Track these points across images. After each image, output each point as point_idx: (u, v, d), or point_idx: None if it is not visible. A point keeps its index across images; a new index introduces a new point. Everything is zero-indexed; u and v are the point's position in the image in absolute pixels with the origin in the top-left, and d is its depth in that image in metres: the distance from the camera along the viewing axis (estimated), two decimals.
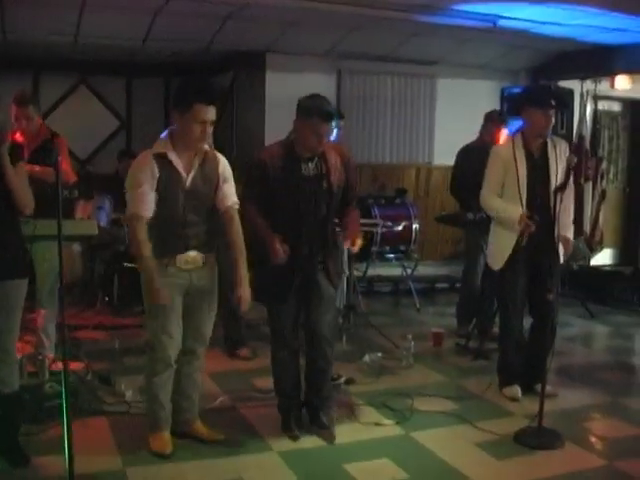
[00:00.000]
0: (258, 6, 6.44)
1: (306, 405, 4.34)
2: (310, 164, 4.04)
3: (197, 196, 3.80)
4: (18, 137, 5.46)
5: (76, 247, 7.07)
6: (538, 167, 4.65)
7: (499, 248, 4.78)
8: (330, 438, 4.15)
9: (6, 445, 3.71)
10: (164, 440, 3.93)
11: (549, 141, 4.71)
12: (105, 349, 5.78)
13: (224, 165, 3.93)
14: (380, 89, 8.53)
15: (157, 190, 3.71)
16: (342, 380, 5.07)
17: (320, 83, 8.25)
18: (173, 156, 3.74)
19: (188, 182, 3.77)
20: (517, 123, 5.08)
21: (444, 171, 8.57)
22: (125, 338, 5.96)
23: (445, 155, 8.48)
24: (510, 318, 4.83)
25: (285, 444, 4.08)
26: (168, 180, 3.73)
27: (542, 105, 4.62)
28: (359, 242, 4.45)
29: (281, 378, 4.28)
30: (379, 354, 5.65)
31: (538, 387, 4.34)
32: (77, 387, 4.55)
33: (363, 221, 6.33)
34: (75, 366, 4.84)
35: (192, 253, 3.81)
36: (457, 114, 8.56)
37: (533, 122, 4.64)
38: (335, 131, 6.45)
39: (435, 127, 8.79)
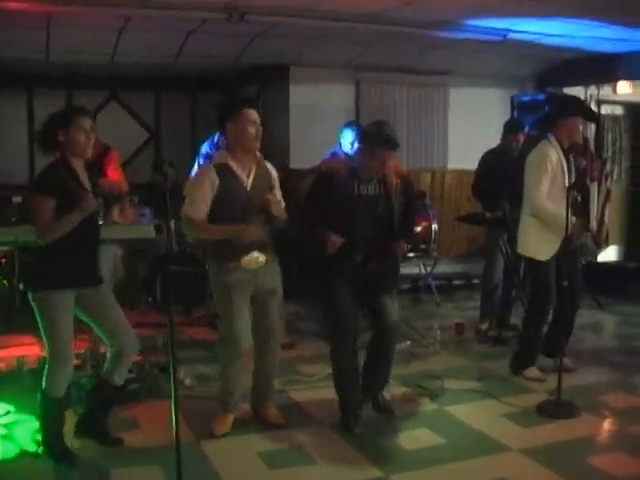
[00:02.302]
0: (286, 24, 6.96)
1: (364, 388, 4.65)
2: (369, 185, 4.35)
3: (257, 198, 4.25)
4: None
5: (117, 250, 7.56)
6: (569, 171, 5.05)
7: (545, 242, 5.11)
8: (391, 415, 4.60)
9: (101, 428, 4.21)
10: (226, 422, 4.41)
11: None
12: (152, 345, 6.28)
13: (274, 172, 4.44)
14: (397, 98, 9.06)
15: (218, 196, 4.17)
16: None
17: (340, 94, 8.85)
18: (233, 164, 4.23)
19: (249, 186, 4.25)
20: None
21: (458, 174, 9.13)
22: (165, 335, 6.47)
23: (458, 159, 9.07)
24: (545, 305, 5.23)
25: (337, 418, 4.57)
26: (229, 186, 4.19)
27: (575, 115, 5.13)
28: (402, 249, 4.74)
29: (346, 389, 4.54)
30: (407, 342, 6.19)
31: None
32: (141, 376, 5.09)
33: None
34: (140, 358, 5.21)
35: (255, 254, 4.25)
36: (469, 121, 9.11)
37: (567, 130, 5.08)
38: (356, 143, 7.01)
39: (449, 133, 9.31)
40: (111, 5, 6.10)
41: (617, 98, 9.63)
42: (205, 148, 6.40)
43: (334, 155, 6.94)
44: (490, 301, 6.76)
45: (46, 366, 4.00)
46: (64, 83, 9.23)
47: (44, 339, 3.95)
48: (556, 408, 4.67)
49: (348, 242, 4.27)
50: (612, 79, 9.05)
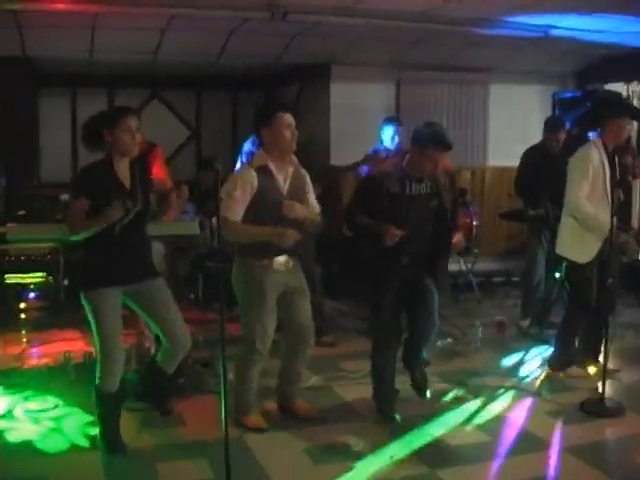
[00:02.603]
0: (328, 24, 6.99)
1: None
2: (421, 184, 4.34)
3: (294, 201, 4.30)
4: None
5: (160, 247, 7.66)
6: (613, 172, 4.98)
7: (587, 245, 5.08)
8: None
9: (158, 399, 4.44)
10: (259, 418, 4.48)
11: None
12: (194, 341, 6.35)
13: (307, 176, 4.48)
14: (437, 96, 9.04)
15: (257, 199, 4.20)
16: None
17: (381, 92, 8.87)
18: (273, 167, 4.27)
19: (285, 190, 4.30)
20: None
21: (498, 172, 9.09)
22: (211, 331, 6.54)
23: (499, 156, 9.04)
24: (583, 307, 5.19)
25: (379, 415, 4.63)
26: (269, 189, 4.23)
27: (623, 115, 5.11)
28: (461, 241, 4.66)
29: (383, 387, 4.64)
30: (449, 340, 6.20)
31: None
32: (185, 372, 5.17)
33: None
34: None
35: (284, 257, 4.30)
36: (509, 117, 9.07)
37: (614, 131, 5.06)
38: (396, 137, 7.04)
39: (489, 130, 9.26)
40: (156, 5, 6.18)
41: None
42: (248, 146, 6.47)
43: (376, 151, 7.01)
44: (531, 299, 6.73)
45: (97, 362, 4.09)
46: (106, 82, 9.35)
47: (94, 335, 4.04)
48: (600, 406, 4.65)
49: (399, 243, 4.24)
50: None
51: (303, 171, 4.46)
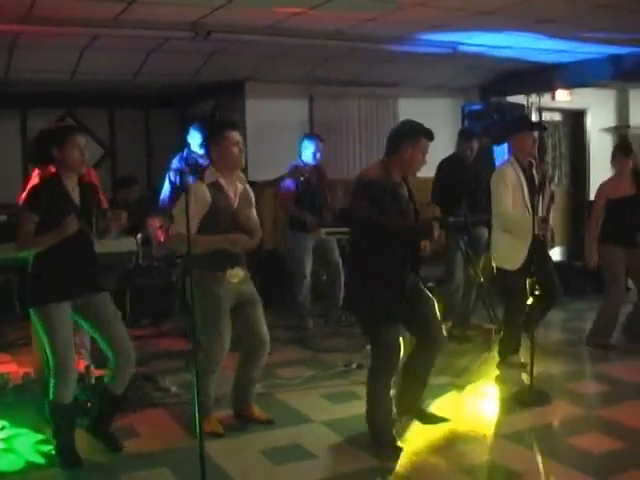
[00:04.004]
0: (242, 42, 7.14)
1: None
2: (404, 186, 4.37)
3: (241, 215, 4.50)
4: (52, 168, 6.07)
5: None
6: (530, 183, 5.45)
7: (516, 253, 5.44)
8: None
9: (104, 432, 4.40)
10: (216, 423, 4.59)
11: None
12: None
13: (249, 189, 4.67)
14: (349, 111, 9.38)
15: (210, 213, 4.37)
16: (354, 366, 5.89)
17: (295, 108, 9.13)
18: (223, 182, 4.45)
19: (235, 203, 4.49)
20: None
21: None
22: (139, 347, 6.60)
23: None
24: (518, 309, 5.55)
25: (327, 415, 4.85)
26: (220, 203, 4.40)
27: (531, 129, 5.55)
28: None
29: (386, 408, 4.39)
30: None
31: None
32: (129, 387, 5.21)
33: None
34: (101, 373, 5.13)
35: (237, 269, 4.49)
36: None
37: (523, 145, 5.51)
38: (318, 154, 7.28)
39: None
40: (80, 25, 6.20)
41: (556, 105, 10.14)
42: (175, 163, 6.60)
43: (296, 167, 7.20)
44: (452, 301, 7.07)
45: (50, 377, 4.13)
46: (19, 101, 9.22)
47: (46, 350, 4.10)
48: (529, 396, 4.99)
49: (400, 256, 4.23)
50: (551, 88, 9.55)
51: (248, 187, 4.65)
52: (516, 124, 5.91)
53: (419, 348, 4.49)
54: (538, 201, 5.28)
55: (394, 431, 4.36)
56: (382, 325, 4.21)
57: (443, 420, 4.60)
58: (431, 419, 4.62)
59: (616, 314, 6.34)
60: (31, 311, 4.11)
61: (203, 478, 3.38)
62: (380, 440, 4.31)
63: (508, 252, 5.56)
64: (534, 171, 5.53)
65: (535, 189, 5.41)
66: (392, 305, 4.18)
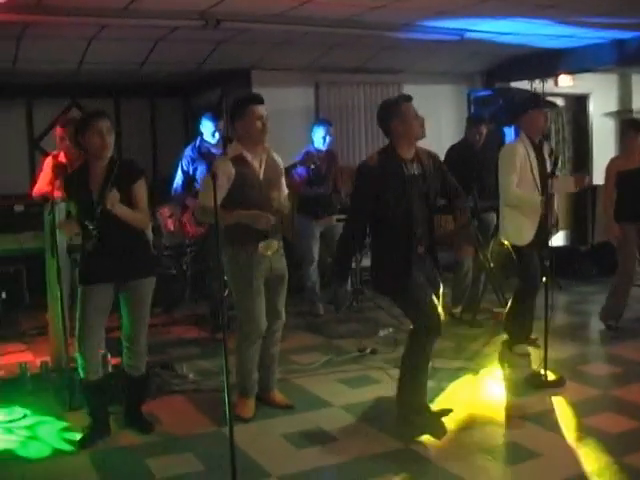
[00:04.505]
0: (250, 30, 7.19)
1: None
2: (414, 164, 4.29)
3: (270, 186, 4.54)
4: (62, 157, 6.14)
5: None
6: (540, 162, 5.51)
7: (525, 230, 5.53)
8: None
9: (134, 417, 4.54)
10: (249, 406, 4.68)
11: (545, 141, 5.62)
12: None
13: (280, 162, 4.75)
14: (354, 98, 9.40)
15: (235, 185, 4.43)
16: (368, 351, 5.95)
17: (300, 95, 9.16)
18: (248, 155, 4.52)
19: (261, 175, 4.55)
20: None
21: None
22: (152, 335, 6.65)
23: None
24: (532, 287, 5.66)
25: (345, 399, 4.92)
26: (246, 175, 4.47)
27: (541, 107, 5.58)
28: None
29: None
30: (390, 329, 6.53)
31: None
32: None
33: None
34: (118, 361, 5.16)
35: (270, 240, 4.51)
36: (423, 116, 9.46)
37: (534, 122, 5.53)
38: (328, 138, 7.32)
39: None
40: (90, 14, 6.22)
41: (559, 90, 10.19)
42: (188, 151, 6.62)
43: (308, 153, 7.24)
44: (461, 287, 7.14)
45: (77, 355, 4.32)
46: (24, 91, 9.24)
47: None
48: (543, 379, 5.06)
49: (407, 234, 4.25)
50: (554, 73, 9.59)
51: (277, 157, 4.72)
52: (527, 102, 5.93)
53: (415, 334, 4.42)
54: (548, 181, 5.32)
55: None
56: (413, 292, 4.24)
57: (448, 412, 4.56)
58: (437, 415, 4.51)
59: (626, 293, 6.39)
60: None
61: (232, 462, 3.41)
62: (410, 421, 4.33)
63: (516, 228, 5.60)
64: (545, 151, 5.57)
65: (545, 169, 5.46)
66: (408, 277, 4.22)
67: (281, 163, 4.77)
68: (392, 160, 4.26)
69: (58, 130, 6.14)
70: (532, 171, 5.47)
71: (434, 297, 4.34)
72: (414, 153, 4.33)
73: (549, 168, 5.45)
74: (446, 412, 4.54)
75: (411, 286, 4.25)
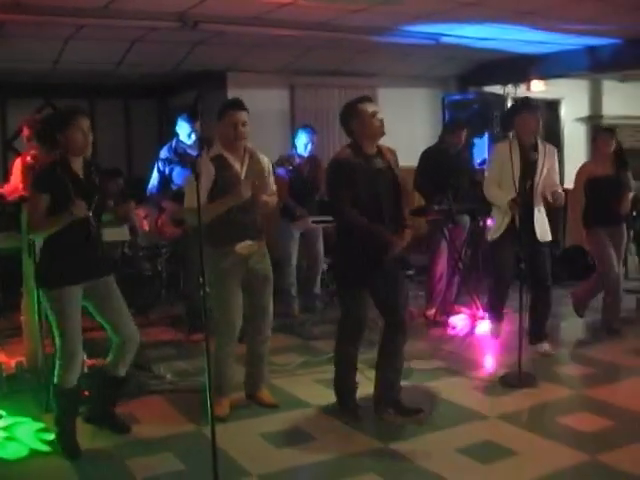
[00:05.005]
0: (227, 32, 7.21)
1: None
2: (378, 159, 4.54)
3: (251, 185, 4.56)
4: (29, 158, 6.12)
5: None
6: (529, 163, 5.61)
7: (497, 224, 5.80)
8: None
9: (110, 417, 4.49)
10: (223, 405, 4.69)
11: (540, 143, 5.72)
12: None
13: (265, 161, 4.83)
14: (330, 101, 9.45)
15: (216, 184, 4.49)
16: None
17: (276, 98, 9.20)
18: (227, 155, 4.61)
19: (243, 174, 4.61)
20: None
21: None
22: None
23: None
24: (499, 282, 5.93)
25: (322, 399, 4.95)
26: (225, 175, 4.55)
27: (532, 110, 5.70)
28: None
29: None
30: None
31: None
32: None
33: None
34: (93, 362, 5.16)
35: (248, 241, 4.59)
36: (397, 119, 9.47)
37: (525, 124, 5.65)
38: (309, 146, 7.37)
39: None
40: (68, 14, 6.20)
41: (531, 95, 10.28)
42: (164, 153, 6.61)
43: (282, 156, 7.28)
44: (436, 289, 7.21)
45: (56, 360, 4.19)
46: None
47: (54, 333, 4.17)
48: (517, 379, 5.14)
49: (378, 220, 4.44)
50: (527, 78, 9.72)
51: (261, 157, 4.79)
52: (519, 105, 6.10)
53: (386, 333, 4.67)
54: (531, 182, 5.48)
55: (356, 397, 4.71)
56: (343, 287, 4.64)
57: (419, 412, 4.59)
58: (408, 412, 4.61)
59: (617, 296, 6.53)
60: (41, 292, 4.21)
61: (214, 461, 3.43)
62: (343, 405, 4.72)
63: (495, 223, 5.87)
64: (536, 152, 5.66)
65: (532, 170, 5.60)
66: (356, 272, 4.48)
67: (267, 163, 4.84)
68: (359, 155, 4.48)
69: (25, 130, 6.13)
70: (513, 172, 5.56)
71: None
72: (377, 149, 4.57)
73: (540, 171, 5.63)
74: (417, 412, 4.59)
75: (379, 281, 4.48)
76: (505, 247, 5.76)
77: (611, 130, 6.62)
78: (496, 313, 6.12)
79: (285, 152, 7.51)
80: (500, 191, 5.69)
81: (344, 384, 4.78)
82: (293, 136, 7.47)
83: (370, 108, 4.52)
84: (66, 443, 4.21)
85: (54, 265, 4.12)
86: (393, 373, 4.65)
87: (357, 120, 4.50)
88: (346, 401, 4.75)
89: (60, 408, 4.23)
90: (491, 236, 5.88)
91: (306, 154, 7.29)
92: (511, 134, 5.84)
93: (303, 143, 7.27)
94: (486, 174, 5.94)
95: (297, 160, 7.23)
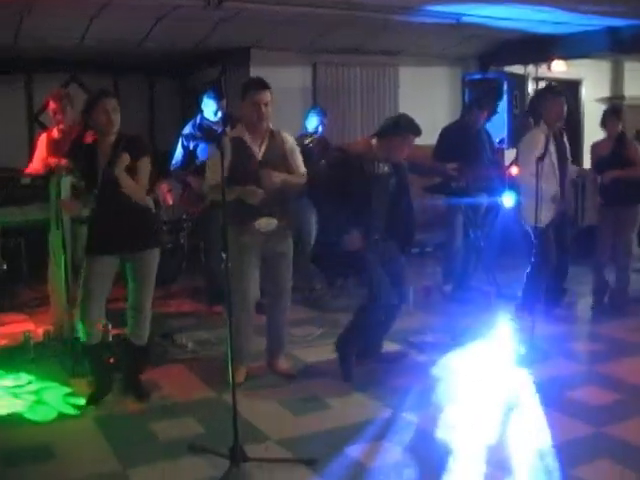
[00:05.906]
0: (251, 10, 7.30)
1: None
2: (385, 165, 4.87)
3: (269, 166, 4.70)
4: (54, 134, 6.27)
5: None
6: (560, 149, 5.77)
7: (541, 211, 5.65)
8: None
9: (133, 384, 4.70)
10: (239, 373, 4.79)
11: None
12: None
13: (290, 141, 4.92)
14: (351, 78, 9.54)
15: (232, 165, 4.60)
16: None
17: (298, 75, 9.29)
18: (246, 136, 4.73)
19: (260, 155, 4.73)
20: None
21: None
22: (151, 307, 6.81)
23: None
24: (542, 264, 5.98)
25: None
26: (241, 156, 4.68)
27: (559, 95, 5.84)
28: None
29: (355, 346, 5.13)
30: None
31: None
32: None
33: None
34: (118, 332, 5.28)
35: (265, 218, 4.71)
36: (418, 97, 9.65)
37: (552, 110, 5.77)
38: (320, 127, 7.48)
39: (399, 110, 9.75)
40: None
41: (552, 76, 10.33)
42: (188, 129, 6.73)
43: (303, 135, 7.41)
44: (452, 266, 7.31)
45: (77, 319, 4.59)
46: (24, 66, 9.32)
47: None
48: (530, 354, 5.26)
49: (367, 220, 4.78)
50: (548, 58, 9.74)
51: (284, 138, 4.87)
52: (545, 91, 6.27)
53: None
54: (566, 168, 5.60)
55: None
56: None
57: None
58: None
59: (601, 273, 6.70)
60: None
61: (235, 425, 3.59)
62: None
63: (534, 209, 5.74)
64: (565, 138, 5.76)
65: (565, 156, 5.74)
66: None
67: (291, 142, 4.92)
68: (368, 158, 4.81)
69: (51, 104, 6.25)
70: (551, 158, 5.67)
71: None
72: None
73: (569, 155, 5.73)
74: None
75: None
76: (549, 235, 5.87)
77: (619, 111, 6.71)
78: (533, 300, 6.06)
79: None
80: (551, 185, 5.75)
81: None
82: (305, 116, 7.55)
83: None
84: (100, 386, 4.62)
85: (90, 234, 4.50)
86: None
87: (397, 140, 4.80)
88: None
89: (90, 362, 4.69)
90: (533, 222, 5.75)
91: (317, 134, 7.39)
92: (540, 121, 5.90)
93: (313, 125, 7.38)
94: (523, 166, 5.90)
95: (307, 141, 7.31)
